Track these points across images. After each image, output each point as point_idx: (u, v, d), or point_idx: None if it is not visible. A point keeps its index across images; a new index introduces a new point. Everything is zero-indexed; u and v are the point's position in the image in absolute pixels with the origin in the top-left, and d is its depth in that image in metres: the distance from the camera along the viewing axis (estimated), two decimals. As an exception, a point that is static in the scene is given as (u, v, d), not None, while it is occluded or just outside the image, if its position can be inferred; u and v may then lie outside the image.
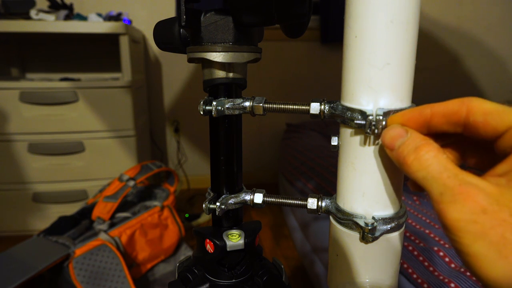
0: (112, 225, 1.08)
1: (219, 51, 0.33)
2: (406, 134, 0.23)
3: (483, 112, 0.21)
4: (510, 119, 0.20)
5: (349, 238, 0.29)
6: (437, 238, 0.76)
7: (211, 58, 0.33)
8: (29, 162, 1.47)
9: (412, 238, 0.77)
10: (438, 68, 2.23)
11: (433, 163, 0.21)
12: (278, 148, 2.00)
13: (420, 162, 0.21)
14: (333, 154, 1.38)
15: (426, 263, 0.68)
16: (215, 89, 0.36)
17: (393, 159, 0.23)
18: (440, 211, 0.19)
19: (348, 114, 0.26)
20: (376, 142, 0.26)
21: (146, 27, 1.88)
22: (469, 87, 2.31)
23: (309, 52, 2.10)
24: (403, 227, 0.29)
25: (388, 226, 0.28)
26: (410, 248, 0.72)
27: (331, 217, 0.31)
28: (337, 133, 0.31)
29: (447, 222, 0.19)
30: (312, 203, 0.33)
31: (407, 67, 0.25)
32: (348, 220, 0.29)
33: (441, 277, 0.64)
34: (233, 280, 0.37)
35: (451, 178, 0.20)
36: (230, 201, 0.37)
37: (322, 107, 0.30)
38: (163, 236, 1.19)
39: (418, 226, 0.82)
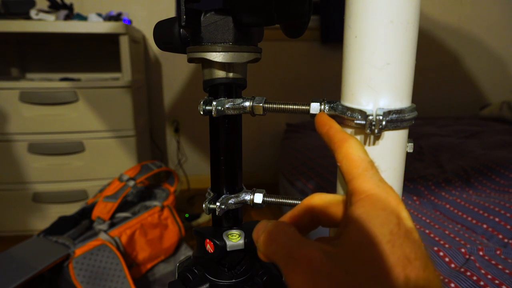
0: (112, 225, 1.08)
1: (219, 51, 0.33)
2: (267, 224, 0.24)
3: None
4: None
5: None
6: (437, 238, 0.76)
7: (211, 58, 0.33)
8: (29, 162, 1.47)
9: (412, 238, 0.77)
10: (438, 68, 2.23)
11: (279, 235, 0.22)
12: (278, 148, 2.00)
13: (269, 235, 0.22)
14: (333, 154, 1.37)
15: (426, 263, 0.68)
16: (215, 89, 0.36)
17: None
18: (287, 283, 0.20)
19: (348, 114, 0.26)
20: (376, 142, 0.26)
21: (146, 27, 1.88)
22: (469, 87, 2.31)
23: (309, 52, 2.10)
24: (403, 227, 0.29)
25: (388, 226, 0.28)
26: (410, 248, 0.72)
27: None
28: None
29: None
30: (312, 203, 0.33)
31: (407, 67, 0.25)
32: (348, 220, 0.29)
33: (441, 277, 0.64)
34: (233, 280, 0.37)
35: (294, 247, 0.20)
36: (230, 201, 0.37)
37: (322, 107, 0.30)
38: (163, 236, 1.19)
39: (418, 226, 0.82)
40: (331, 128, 0.25)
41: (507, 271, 0.63)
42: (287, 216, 0.25)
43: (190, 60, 0.35)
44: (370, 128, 0.25)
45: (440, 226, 0.82)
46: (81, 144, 1.49)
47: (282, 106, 0.33)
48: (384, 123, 0.25)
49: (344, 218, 0.21)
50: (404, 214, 0.20)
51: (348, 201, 0.21)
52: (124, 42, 1.45)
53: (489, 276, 0.62)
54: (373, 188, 0.21)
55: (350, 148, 0.23)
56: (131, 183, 1.15)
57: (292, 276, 0.19)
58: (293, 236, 0.21)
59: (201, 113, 0.34)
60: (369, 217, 0.19)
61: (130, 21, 1.57)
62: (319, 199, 0.24)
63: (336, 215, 0.23)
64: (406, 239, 0.19)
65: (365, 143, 0.26)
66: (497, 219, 0.81)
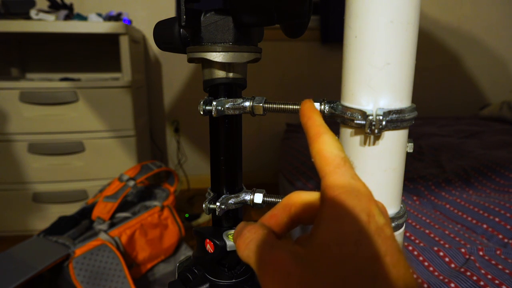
0: (112, 225, 1.08)
1: (219, 51, 0.33)
2: (244, 227, 0.24)
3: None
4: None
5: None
6: (437, 238, 0.76)
7: (211, 58, 0.33)
8: (29, 162, 1.47)
9: (412, 238, 0.77)
10: (438, 68, 2.23)
11: (252, 239, 0.22)
12: (278, 148, 2.00)
13: (243, 240, 0.22)
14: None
15: (426, 263, 0.68)
16: (215, 89, 0.36)
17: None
18: (261, 286, 0.20)
19: (348, 114, 0.26)
20: (376, 142, 0.26)
21: (146, 27, 1.88)
22: (469, 87, 2.31)
23: (309, 52, 2.10)
24: (403, 227, 0.29)
25: (388, 226, 0.28)
26: (410, 248, 0.72)
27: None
28: (337, 133, 0.31)
29: None
30: (312, 203, 0.33)
31: (407, 67, 0.25)
32: (348, 220, 0.29)
33: (441, 277, 0.64)
34: (233, 280, 0.37)
35: (265, 250, 0.20)
36: (230, 201, 0.37)
37: (322, 107, 0.30)
38: (163, 236, 1.19)
39: (418, 226, 0.82)
40: (309, 119, 0.24)
41: (507, 271, 0.63)
42: (266, 217, 0.25)
43: (190, 60, 0.35)
44: (370, 128, 0.25)
45: (440, 226, 0.82)
46: (81, 144, 1.49)
47: (282, 106, 0.33)
48: (384, 123, 0.25)
49: (317, 217, 0.21)
50: (375, 211, 0.20)
51: (321, 199, 0.21)
52: (124, 42, 1.45)
53: (489, 276, 0.62)
54: (343, 186, 0.20)
55: (323, 144, 0.22)
56: (131, 183, 1.15)
57: (264, 279, 0.19)
58: (266, 240, 0.21)
59: (201, 113, 0.34)
60: (338, 216, 0.19)
61: (130, 21, 1.57)
62: (297, 197, 0.24)
63: (315, 213, 0.23)
64: (376, 236, 0.19)
65: (365, 143, 0.26)
66: (497, 219, 0.81)
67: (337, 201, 0.20)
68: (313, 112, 0.25)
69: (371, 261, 0.18)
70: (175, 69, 2.00)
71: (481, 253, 0.69)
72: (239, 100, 0.35)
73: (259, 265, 0.20)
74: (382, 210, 0.21)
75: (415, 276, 0.67)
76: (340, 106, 0.28)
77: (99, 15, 1.50)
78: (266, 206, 0.37)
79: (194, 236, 0.39)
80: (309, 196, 0.24)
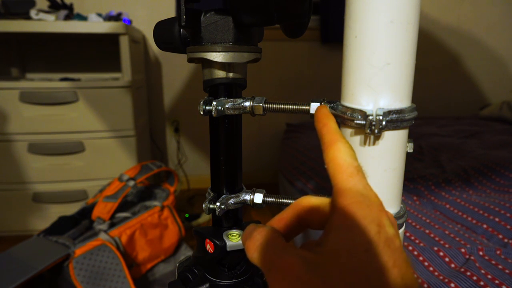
0: (112, 225, 1.08)
1: (219, 51, 0.33)
2: (253, 229, 0.24)
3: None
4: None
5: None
6: (437, 238, 0.76)
7: (211, 58, 0.33)
8: (29, 162, 1.47)
9: (412, 238, 0.77)
10: (438, 68, 2.23)
11: (262, 242, 0.22)
12: (278, 148, 2.00)
13: (253, 242, 0.23)
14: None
15: (426, 263, 0.68)
16: (215, 89, 0.36)
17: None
18: None
19: (348, 114, 0.26)
20: (376, 142, 0.26)
21: (146, 27, 1.88)
22: (469, 87, 2.31)
23: (309, 52, 2.10)
24: (403, 227, 0.29)
25: (388, 226, 0.28)
26: (410, 248, 0.72)
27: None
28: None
29: None
30: (312, 203, 0.33)
31: (407, 67, 0.25)
32: (348, 220, 0.29)
33: (441, 277, 0.64)
34: (233, 280, 0.37)
35: (275, 254, 0.21)
36: (230, 201, 0.37)
37: (322, 107, 0.30)
38: (163, 236, 1.19)
39: (418, 226, 0.82)
40: (324, 126, 0.25)
41: (507, 271, 0.63)
42: (275, 220, 0.25)
43: (190, 60, 0.35)
44: (370, 128, 0.25)
45: (440, 226, 0.82)
46: (81, 144, 1.49)
47: (282, 106, 0.33)
48: (384, 123, 0.24)
49: (327, 224, 0.21)
50: (386, 222, 0.20)
51: (332, 207, 0.21)
52: (124, 42, 1.45)
53: (489, 276, 0.62)
54: (355, 195, 0.21)
55: (337, 152, 0.23)
56: (131, 183, 1.15)
57: (273, 283, 0.20)
58: (276, 243, 0.22)
59: (201, 113, 0.34)
60: (349, 225, 0.20)
61: (130, 21, 1.57)
62: (306, 202, 0.24)
63: (324, 218, 0.23)
64: (386, 247, 0.19)
65: (365, 143, 0.26)
66: (497, 219, 0.81)
67: (348, 210, 0.20)
68: (328, 118, 0.25)
69: (380, 271, 0.18)
70: (175, 69, 2.00)
71: (481, 253, 0.69)
72: (239, 100, 0.35)
73: (269, 268, 0.20)
74: (392, 221, 0.21)
75: (415, 276, 0.67)
76: (340, 106, 0.28)
77: (99, 15, 1.50)
78: (266, 206, 0.37)
79: (194, 236, 0.39)
80: (318, 201, 0.24)
